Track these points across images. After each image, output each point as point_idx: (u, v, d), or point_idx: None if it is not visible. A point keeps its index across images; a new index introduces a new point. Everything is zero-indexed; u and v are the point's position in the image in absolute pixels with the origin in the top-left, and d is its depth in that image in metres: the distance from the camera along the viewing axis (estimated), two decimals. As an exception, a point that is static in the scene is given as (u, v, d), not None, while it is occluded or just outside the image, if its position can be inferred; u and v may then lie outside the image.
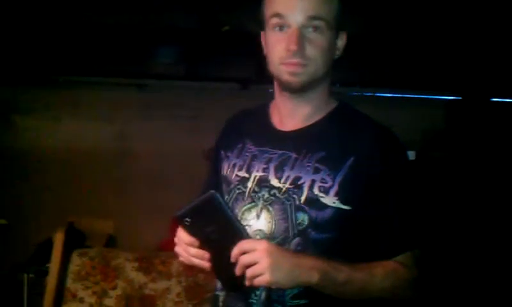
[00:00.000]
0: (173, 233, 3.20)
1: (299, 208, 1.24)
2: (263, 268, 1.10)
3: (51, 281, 2.22)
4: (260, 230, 1.26)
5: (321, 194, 1.22)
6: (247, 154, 1.35)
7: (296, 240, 1.23)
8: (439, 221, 2.87)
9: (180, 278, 2.25)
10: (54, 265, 2.24)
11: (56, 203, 3.26)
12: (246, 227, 1.27)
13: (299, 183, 1.25)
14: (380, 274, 1.20)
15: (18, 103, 3.49)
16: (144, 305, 2.22)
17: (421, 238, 1.26)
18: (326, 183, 1.23)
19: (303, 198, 1.24)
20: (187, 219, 1.14)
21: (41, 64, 3.39)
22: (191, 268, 2.22)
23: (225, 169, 1.37)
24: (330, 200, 1.22)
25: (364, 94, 3.60)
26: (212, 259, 1.17)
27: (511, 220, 3.34)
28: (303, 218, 1.23)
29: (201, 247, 1.17)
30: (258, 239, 1.22)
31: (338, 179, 1.22)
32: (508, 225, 3.34)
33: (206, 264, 1.19)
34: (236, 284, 1.13)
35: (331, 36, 1.25)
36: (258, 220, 1.28)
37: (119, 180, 3.51)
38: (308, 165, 1.25)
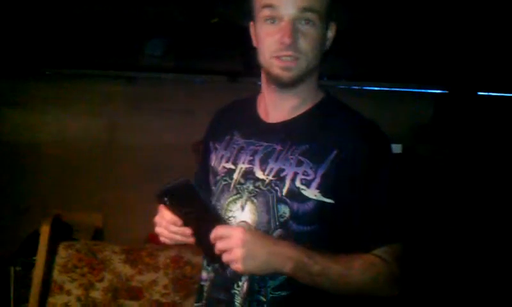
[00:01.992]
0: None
1: (280, 200, 1.24)
2: (236, 257, 1.12)
3: (37, 274, 2.22)
4: (244, 222, 1.27)
5: (303, 187, 1.22)
6: (234, 146, 1.36)
7: (278, 231, 1.23)
8: (423, 217, 2.87)
9: (167, 270, 2.26)
10: (40, 258, 2.23)
11: (44, 196, 3.25)
12: (231, 218, 1.28)
13: (281, 175, 1.26)
14: (358, 266, 1.19)
15: (6, 96, 3.47)
16: (131, 297, 2.22)
17: (402, 233, 1.25)
18: (308, 175, 1.23)
19: (284, 190, 1.24)
20: (165, 198, 1.16)
21: (29, 56, 3.37)
22: (177, 261, 2.25)
23: (213, 161, 1.39)
24: (312, 193, 1.22)
25: (351, 87, 3.61)
26: (195, 235, 1.20)
27: (499, 214, 3.36)
28: (285, 210, 1.24)
29: (183, 225, 1.20)
30: (235, 226, 1.23)
31: (321, 172, 1.22)
32: (495, 219, 3.36)
33: (189, 240, 1.22)
34: (218, 258, 1.15)
35: (323, 28, 1.24)
36: (242, 212, 1.29)
37: (108, 173, 3.49)
38: (292, 158, 1.25)
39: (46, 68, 3.46)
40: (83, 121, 3.52)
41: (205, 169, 1.44)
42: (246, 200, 1.29)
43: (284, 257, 1.15)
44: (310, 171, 1.23)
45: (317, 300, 1.23)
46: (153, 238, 2.95)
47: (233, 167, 1.33)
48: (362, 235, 1.24)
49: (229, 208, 1.29)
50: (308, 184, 1.22)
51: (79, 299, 2.22)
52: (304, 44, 1.22)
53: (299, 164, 1.24)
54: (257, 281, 1.22)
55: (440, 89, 3.68)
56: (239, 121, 1.39)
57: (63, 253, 2.28)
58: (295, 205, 1.23)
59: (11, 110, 3.49)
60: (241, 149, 1.34)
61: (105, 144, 3.53)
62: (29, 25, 3.18)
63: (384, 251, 1.21)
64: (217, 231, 1.14)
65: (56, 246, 2.29)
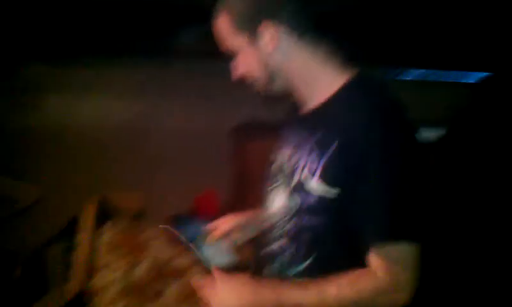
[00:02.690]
0: (198, 209, 3.24)
1: (291, 193, 1.26)
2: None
3: (81, 253, 2.26)
4: (273, 213, 1.30)
5: (308, 178, 1.22)
6: (284, 140, 1.40)
7: (291, 224, 1.24)
8: (459, 211, 2.68)
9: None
10: (84, 237, 2.28)
11: (86, 180, 3.31)
12: (268, 207, 1.35)
13: (295, 166, 1.27)
14: (337, 293, 1.13)
15: (47, 82, 3.54)
16: (173, 277, 2.24)
17: (410, 229, 1.15)
18: (314, 164, 1.22)
19: (293, 183, 1.26)
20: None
21: (67, 43, 3.42)
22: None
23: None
24: (315, 183, 1.20)
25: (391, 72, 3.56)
26: None
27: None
28: (295, 202, 1.24)
29: None
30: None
31: (322, 161, 1.20)
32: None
33: None
34: None
35: (251, 48, 1.25)
36: (273, 204, 1.31)
37: (146, 157, 3.54)
38: (307, 147, 1.26)
39: (85, 54, 3.51)
40: (122, 106, 3.57)
41: None
42: (277, 192, 1.32)
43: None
44: (315, 160, 1.22)
45: None
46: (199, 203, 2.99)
47: (277, 161, 1.40)
48: (363, 230, 1.18)
49: (269, 196, 1.38)
50: (312, 173, 1.22)
51: (121, 278, 2.25)
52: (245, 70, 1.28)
53: (310, 152, 1.25)
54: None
55: (485, 72, 3.60)
56: (291, 115, 1.45)
57: (107, 233, 2.33)
58: (301, 198, 1.25)
59: (52, 95, 3.55)
60: (285, 142, 1.40)
61: (144, 128, 3.57)
62: (69, 12, 3.23)
63: (386, 251, 1.13)
64: (199, 281, 1.36)
65: (100, 226, 2.33)
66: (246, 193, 2.79)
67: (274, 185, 1.38)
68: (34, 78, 3.46)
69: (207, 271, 1.33)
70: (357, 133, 1.16)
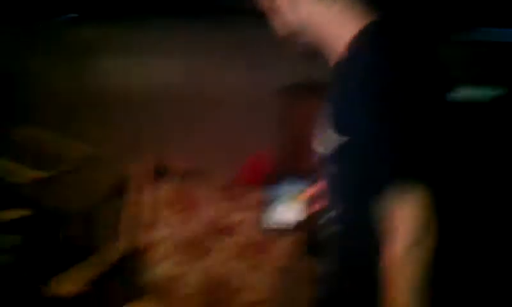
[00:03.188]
0: (246, 171, 3.23)
1: (321, 146, 1.28)
2: None
3: (134, 209, 2.30)
4: None
5: (325, 130, 1.21)
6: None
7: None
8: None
9: (258, 210, 2.28)
10: (137, 194, 2.31)
11: (136, 139, 3.35)
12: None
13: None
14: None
15: (100, 42, 3.57)
16: (225, 234, 2.27)
17: (418, 167, 1.08)
18: (327, 117, 1.21)
19: (321, 137, 1.27)
20: None
21: (121, 3, 3.45)
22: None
23: None
24: (329, 135, 1.19)
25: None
26: None
27: None
28: (324, 154, 1.25)
29: None
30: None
31: (330, 111, 1.18)
32: None
33: None
34: None
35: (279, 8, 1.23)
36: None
37: (198, 119, 3.56)
38: (328, 100, 1.23)
39: (137, 15, 3.53)
40: (175, 67, 3.58)
41: None
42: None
43: None
44: (327, 112, 1.21)
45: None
46: (239, 181, 3.00)
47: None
48: (376, 169, 1.11)
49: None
50: (327, 126, 1.20)
51: (172, 235, 2.30)
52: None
53: (327, 106, 1.23)
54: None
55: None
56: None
57: (160, 191, 2.36)
58: (321, 149, 1.26)
59: (105, 56, 3.59)
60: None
61: (197, 90, 3.58)
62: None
63: (397, 203, 1.07)
64: None
65: (152, 184, 2.37)
66: (297, 154, 2.76)
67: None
68: (88, 39, 3.51)
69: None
70: (357, 76, 1.10)
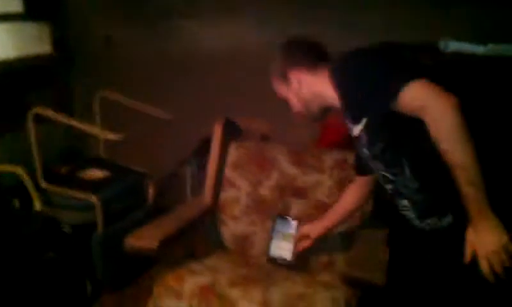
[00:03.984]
0: (324, 136, 3.19)
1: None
2: None
3: (211, 170, 2.37)
4: None
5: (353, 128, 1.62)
6: None
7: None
8: None
9: (331, 172, 2.27)
10: (213, 154, 2.37)
11: (214, 102, 3.41)
12: None
13: None
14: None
15: (181, 9, 3.64)
16: (296, 196, 2.29)
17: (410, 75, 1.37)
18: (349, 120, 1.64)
19: None
20: None
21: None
22: (341, 163, 2.25)
23: None
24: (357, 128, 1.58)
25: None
26: None
27: None
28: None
29: None
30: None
31: (346, 114, 1.62)
32: None
33: None
34: None
35: (286, 86, 1.74)
36: None
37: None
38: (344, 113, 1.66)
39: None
40: (252, 32, 3.58)
41: None
42: None
43: None
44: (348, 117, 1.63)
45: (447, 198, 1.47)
46: (317, 145, 2.99)
47: None
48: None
49: None
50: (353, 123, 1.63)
51: (247, 195, 2.35)
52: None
53: (346, 117, 1.66)
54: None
55: None
56: None
57: (234, 152, 2.41)
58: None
59: (185, 22, 3.65)
60: None
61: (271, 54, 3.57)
62: None
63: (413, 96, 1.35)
64: None
65: (228, 145, 2.42)
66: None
67: None
68: (167, 4, 3.58)
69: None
70: (345, 76, 1.54)
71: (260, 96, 3.55)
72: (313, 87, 1.68)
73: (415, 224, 1.61)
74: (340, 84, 1.55)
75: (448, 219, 1.52)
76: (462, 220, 1.42)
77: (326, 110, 1.73)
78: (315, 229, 2.00)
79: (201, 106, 3.38)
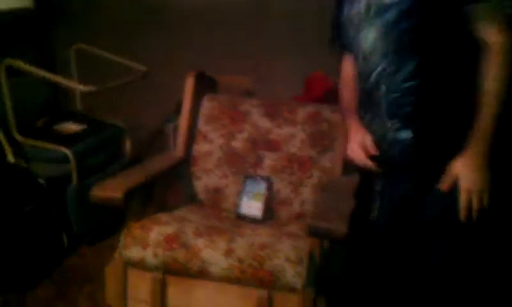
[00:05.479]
0: (305, 93, 3.15)
1: None
2: None
3: (183, 123, 2.34)
4: None
5: None
6: None
7: None
8: None
9: (304, 125, 2.25)
10: (185, 107, 2.35)
11: (197, 59, 3.37)
12: None
13: None
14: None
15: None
16: (269, 149, 2.27)
17: None
18: None
19: None
20: None
21: None
22: (314, 117, 2.23)
23: None
24: None
25: None
26: None
27: None
28: None
29: None
30: None
31: None
32: None
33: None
34: None
35: None
36: None
37: (256, 38, 3.51)
38: None
39: None
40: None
41: None
42: None
43: None
44: None
45: (444, 86, 1.45)
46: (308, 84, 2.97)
47: None
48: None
49: None
50: None
51: (220, 148, 2.33)
52: None
53: None
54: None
55: None
56: None
57: (207, 104, 2.39)
58: None
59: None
60: None
61: (259, 11, 3.51)
62: None
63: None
64: None
65: (200, 98, 2.39)
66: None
67: None
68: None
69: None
70: None
71: (241, 52, 3.53)
72: None
73: (376, 137, 1.62)
74: None
75: (406, 134, 1.51)
76: (419, 142, 1.48)
77: None
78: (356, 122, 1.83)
79: (183, 61, 3.34)
